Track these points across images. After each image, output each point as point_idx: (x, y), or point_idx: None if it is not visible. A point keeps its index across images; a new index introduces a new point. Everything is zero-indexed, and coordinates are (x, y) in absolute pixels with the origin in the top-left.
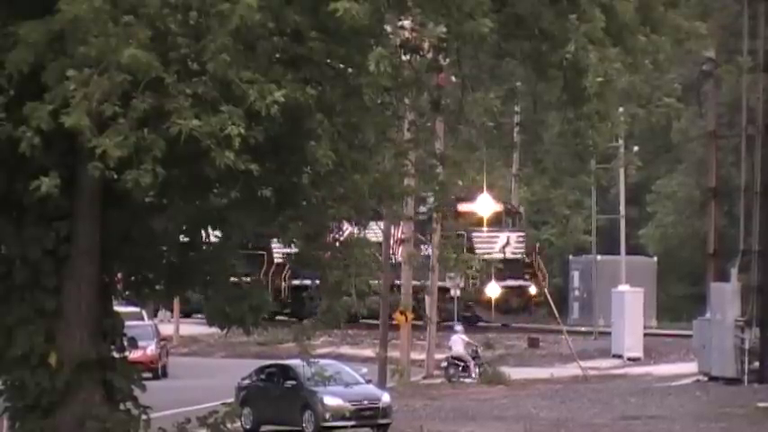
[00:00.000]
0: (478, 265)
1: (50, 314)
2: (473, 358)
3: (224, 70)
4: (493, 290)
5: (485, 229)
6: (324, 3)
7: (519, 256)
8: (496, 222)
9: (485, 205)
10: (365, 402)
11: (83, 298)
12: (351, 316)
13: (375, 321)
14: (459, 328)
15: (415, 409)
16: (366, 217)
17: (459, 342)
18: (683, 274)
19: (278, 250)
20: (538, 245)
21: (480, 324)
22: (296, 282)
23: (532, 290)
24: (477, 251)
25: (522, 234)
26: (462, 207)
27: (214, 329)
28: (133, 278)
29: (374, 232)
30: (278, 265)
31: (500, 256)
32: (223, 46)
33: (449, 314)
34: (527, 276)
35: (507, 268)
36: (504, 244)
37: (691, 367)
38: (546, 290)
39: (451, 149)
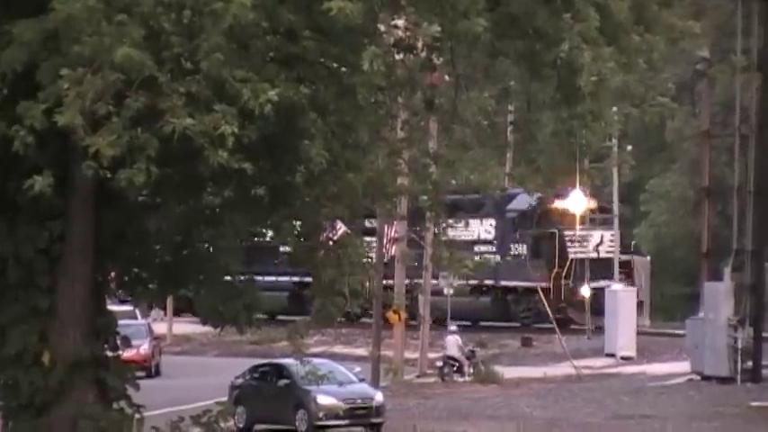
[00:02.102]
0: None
1: (44, 313)
2: (468, 358)
3: (217, 69)
4: (586, 291)
5: (577, 227)
6: (317, 2)
7: (613, 255)
8: (589, 220)
9: (577, 203)
10: (358, 401)
11: (76, 297)
12: (348, 315)
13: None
14: (453, 328)
15: (408, 408)
16: (359, 216)
17: (453, 343)
18: (677, 273)
19: None
20: (634, 243)
21: (573, 327)
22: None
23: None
24: (569, 250)
25: (616, 233)
26: (554, 205)
27: (207, 328)
28: (126, 277)
29: None
30: None
31: (593, 255)
32: (216, 45)
33: (442, 313)
34: (622, 276)
35: (601, 268)
36: (597, 243)
37: (684, 366)
38: (641, 290)
39: (445, 149)
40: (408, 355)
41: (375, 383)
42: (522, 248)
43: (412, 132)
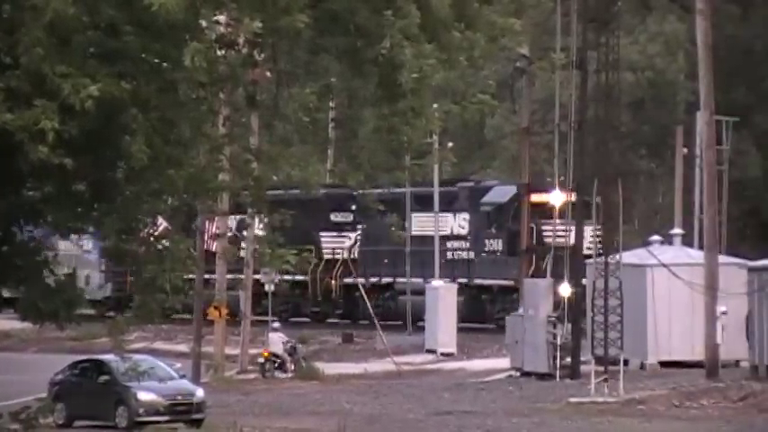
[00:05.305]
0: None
1: None
2: (290, 355)
3: (38, 64)
4: (565, 290)
5: (557, 221)
6: None
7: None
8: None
9: (556, 196)
10: (179, 397)
11: None
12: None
13: (189, 316)
14: (277, 325)
15: (228, 405)
16: (181, 212)
17: (276, 340)
18: None
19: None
20: (616, 241)
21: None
22: (348, 280)
23: None
24: (546, 244)
25: (598, 227)
26: (534, 197)
27: (27, 324)
28: None
29: None
30: (327, 261)
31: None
32: (37, 39)
33: (264, 309)
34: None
35: (583, 265)
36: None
37: (504, 363)
38: None
39: (266, 145)
40: (229, 351)
41: (196, 380)
42: (497, 244)
43: (233, 128)
